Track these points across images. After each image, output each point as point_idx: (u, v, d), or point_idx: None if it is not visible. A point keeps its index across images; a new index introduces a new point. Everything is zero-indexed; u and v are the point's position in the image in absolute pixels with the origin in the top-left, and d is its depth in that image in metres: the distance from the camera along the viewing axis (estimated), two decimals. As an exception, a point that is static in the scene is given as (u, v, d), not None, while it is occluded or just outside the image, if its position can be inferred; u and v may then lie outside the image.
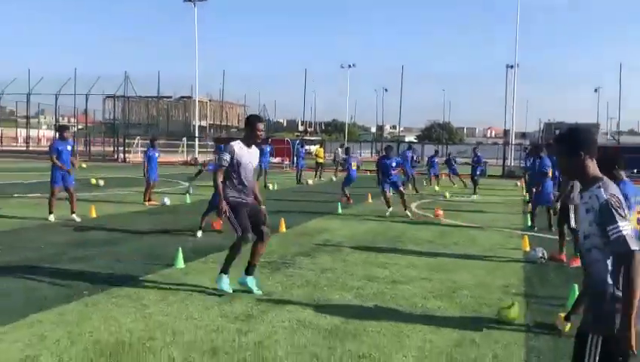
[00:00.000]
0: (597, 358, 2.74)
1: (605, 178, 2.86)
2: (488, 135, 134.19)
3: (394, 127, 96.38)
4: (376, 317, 5.51)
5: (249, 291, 6.23)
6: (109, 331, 4.90)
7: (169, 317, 5.34)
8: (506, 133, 55.29)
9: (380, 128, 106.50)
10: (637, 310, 2.72)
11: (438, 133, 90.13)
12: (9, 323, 4.99)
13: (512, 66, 42.92)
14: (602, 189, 2.76)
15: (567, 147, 2.92)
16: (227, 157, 6.12)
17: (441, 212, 13.54)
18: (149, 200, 14.59)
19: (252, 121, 6.29)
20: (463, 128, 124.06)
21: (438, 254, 8.84)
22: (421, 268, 7.78)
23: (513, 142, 42.87)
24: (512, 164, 36.67)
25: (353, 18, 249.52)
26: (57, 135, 11.84)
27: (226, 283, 6.24)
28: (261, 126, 6.32)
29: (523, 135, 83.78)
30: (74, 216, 11.26)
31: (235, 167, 6.14)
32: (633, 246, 2.62)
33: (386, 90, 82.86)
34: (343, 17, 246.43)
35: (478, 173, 20.34)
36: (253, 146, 6.35)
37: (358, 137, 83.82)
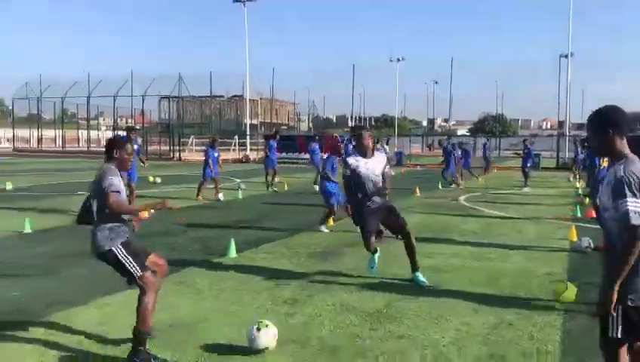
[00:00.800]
0: (620, 328, 2.92)
1: (631, 156, 2.97)
2: (544, 126, 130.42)
3: (445, 120, 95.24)
4: (417, 302, 5.75)
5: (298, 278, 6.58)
6: (167, 312, 5.34)
7: (222, 301, 5.76)
8: (561, 124, 53.83)
9: (431, 122, 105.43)
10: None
11: (491, 126, 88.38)
12: (82, 304, 5.54)
13: (566, 55, 41.77)
14: (623, 165, 2.91)
15: (597, 126, 3.03)
16: (348, 172, 6.53)
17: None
18: (216, 192, 15.23)
19: (358, 130, 6.78)
20: (518, 120, 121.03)
21: (483, 244, 8.96)
22: (465, 258, 7.95)
23: (569, 134, 41.77)
24: (567, 156, 35.76)
25: (401, 11, 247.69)
26: (125, 135, 12.62)
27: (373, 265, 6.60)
28: (367, 134, 6.65)
29: (580, 126, 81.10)
30: None
31: (356, 179, 6.46)
32: (634, 221, 2.78)
33: (436, 82, 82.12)
34: (390, 10, 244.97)
35: (528, 165, 20.07)
36: (375, 153, 6.69)
37: (408, 131, 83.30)
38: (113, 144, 4.64)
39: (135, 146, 12.32)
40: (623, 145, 2.99)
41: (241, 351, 4.41)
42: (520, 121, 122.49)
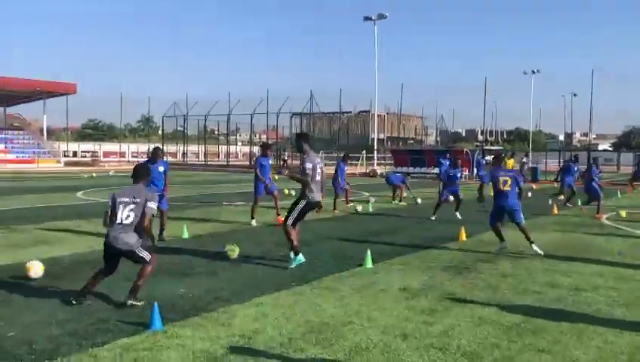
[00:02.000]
0: None
1: None
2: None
3: (585, 134, 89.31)
4: (556, 318, 5.76)
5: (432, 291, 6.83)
6: (315, 314, 5.86)
7: (363, 306, 6.16)
8: None
9: (569, 136, 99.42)
10: None
11: (637, 141, 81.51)
12: (240, 302, 6.22)
13: None
14: None
15: None
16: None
17: None
18: (348, 202, 15.99)
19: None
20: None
21: (628, 265, 8.57)
22: (607, 277, 7.69)
23: None
24: None
25: (536, 21, 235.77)
26: (261, 151, 13.65)
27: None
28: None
29: None
30: (279, 217, 12.82)
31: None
32: None
33: (574, 94, 77.47)
34: (525, 21, 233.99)
35: None
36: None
37: (544, 146, 79.22)
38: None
39: (270, 161, 13.36)
40: None
41: (385, 351, 4.76)
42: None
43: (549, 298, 6.63)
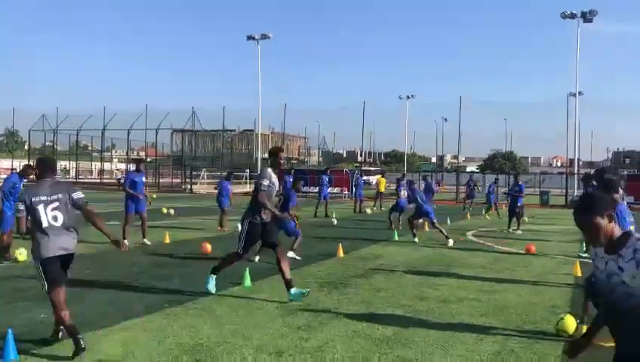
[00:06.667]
0: None
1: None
2: (554, 164, 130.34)
3: (455, 157, 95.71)
4: (424, 330, 6.03)
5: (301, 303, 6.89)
6: (189, 335, 5.66)
7: (239, 325, 6.06)
8: (571, 162, 54.05)
9: (441, 158, 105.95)
10: None
11: (500, 163, 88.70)
12: (107, 327, 5.86)
13: (574, 94, 42.29)
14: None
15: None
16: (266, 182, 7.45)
17: (533, 247, 12.60)
18: (221, 226, 15.76)
19: (274, 151, 7.76)
20: (528, 158, 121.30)
21: (490, 278, 9.21)
22: (471, 290, 8.21)
23: (579, 172, 41.92)
24: (575, 194, 35.94)
25: (412, 50, 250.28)
26: (134, 167, 13.01)
27: (212, 284, 7.59)
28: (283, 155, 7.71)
29: (590, 164, 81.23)
30: (145, 240, 12.26)
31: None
32: None
33: (445, 120, 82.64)
34: (402, 50, 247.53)
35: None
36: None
37: (418, 167, 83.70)
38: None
39: (143, 178, 12.73)
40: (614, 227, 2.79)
41: (259, 371, 4.71)
42: (530, 159, 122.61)
43: (418, 310, 6.94)
